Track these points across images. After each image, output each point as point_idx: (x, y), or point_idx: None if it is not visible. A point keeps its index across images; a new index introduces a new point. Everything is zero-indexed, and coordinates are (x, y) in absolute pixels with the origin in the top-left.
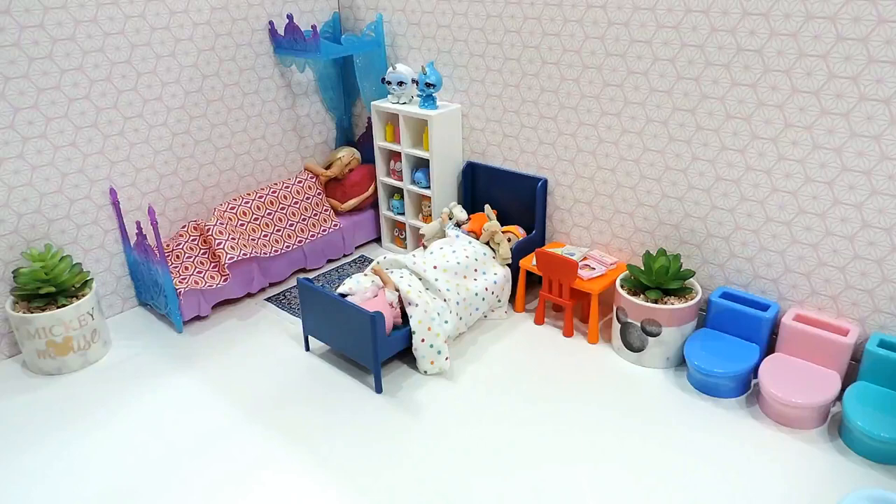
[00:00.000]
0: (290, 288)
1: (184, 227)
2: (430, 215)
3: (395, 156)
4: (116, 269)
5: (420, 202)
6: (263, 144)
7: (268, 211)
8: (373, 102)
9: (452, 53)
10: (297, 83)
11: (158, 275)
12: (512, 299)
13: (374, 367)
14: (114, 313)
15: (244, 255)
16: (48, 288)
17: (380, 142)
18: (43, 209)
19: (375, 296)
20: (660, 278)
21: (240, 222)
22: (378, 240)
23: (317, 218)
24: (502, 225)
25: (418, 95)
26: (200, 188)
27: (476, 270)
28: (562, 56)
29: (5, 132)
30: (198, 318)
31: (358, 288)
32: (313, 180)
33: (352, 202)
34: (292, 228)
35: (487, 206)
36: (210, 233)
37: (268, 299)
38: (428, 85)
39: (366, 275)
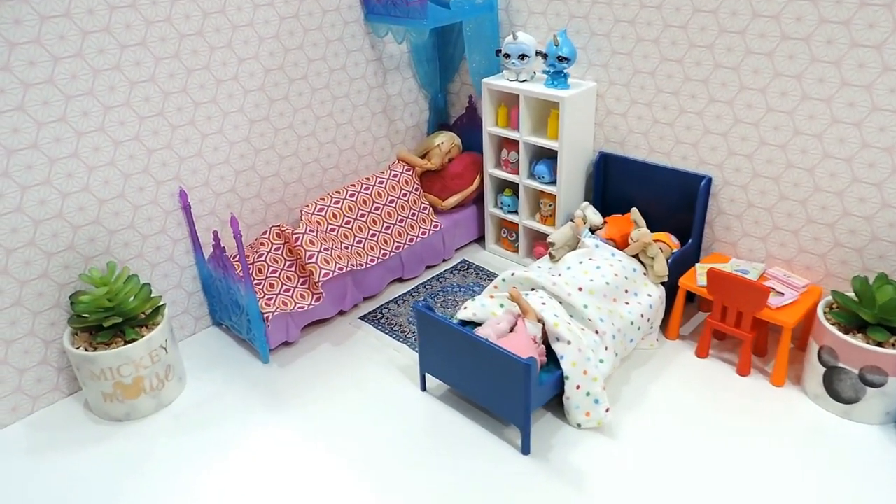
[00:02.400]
0: (387, 303)
1: (264, 232)
2: (552, 216)
3: (508, 144)
4: (188, 285)
5: (538, 199)
6: (350, 130)
7: (360, 212)
8: (483, 80)
9: (589, 19)
10: (388, 56)
11: (240, 295)
12: (663, 324)
13: (523, 423)
14: (185, 335)
15: (340, 270)
16: (114, 319)
17: (490, 127)
18: (102, 218)
19: (512, 328)
20: (887, 313)
21: (329, 227)
22: (480, 240)
23: (415, 218)
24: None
25: (544, 72)
26: (281, 185)
27: (627, 291)
28: (749, 23)
29: (57, 127)
30: (285, 343)
31: (484, 314)
32: (409, 173)
33: (454, 198)
34: (389, 232)
35: (635, 210)
36: (299, 243)
37: (363, 317)
38: (560, 59)
39: (492, 297)
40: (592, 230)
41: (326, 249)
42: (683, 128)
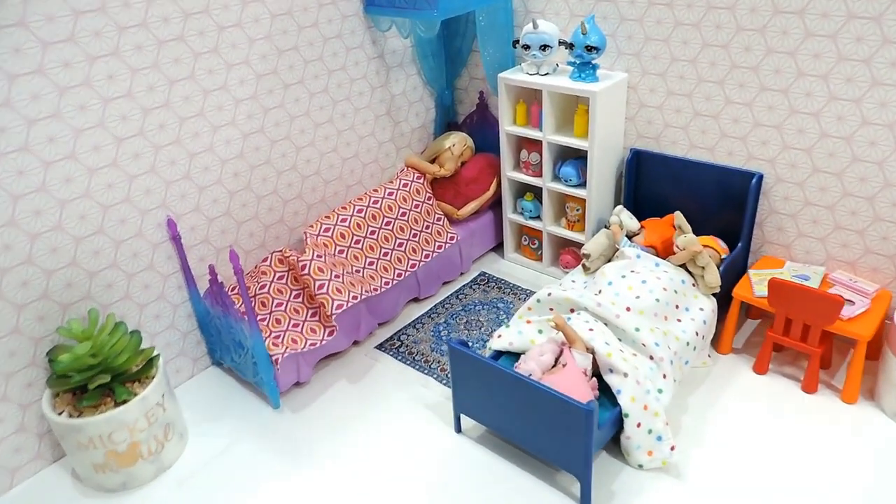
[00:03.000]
0: (405, 328)
1: (265, 259)
2: (580, 221)
3: (527, 144)
4: (182, 324)
5: (563, 203)
6: (352, 137)
7: (370, 229)
8: (500, 75)
9: (618, 3)
10: (390, 51)
11: (243, 335)
12: (714, 337)
13: (583, 474)
14: (183, 379)
15: (354, 299)
16: (101, 378)
17: (508, 126)
18: (80, 259)
19: (557, 358)
20: None
21: (338, 248)
22: (498, 248)
23: (429, 231)
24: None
25: (569, 63)
26: (280, 203)
27: (678, 307)
28: (809, 2)
29: (18, 158)
30: (296, 383)
31: (522, 343)
32: (420, 181)
33: (471, 206)
34: (402, 249)
35: (679, 215)
36: (307, 271)
37: (380, 346)
38: (589, 48)
39: (529, 322)
40: (629, 237)
41: (337, 276)
42: (730, 121)
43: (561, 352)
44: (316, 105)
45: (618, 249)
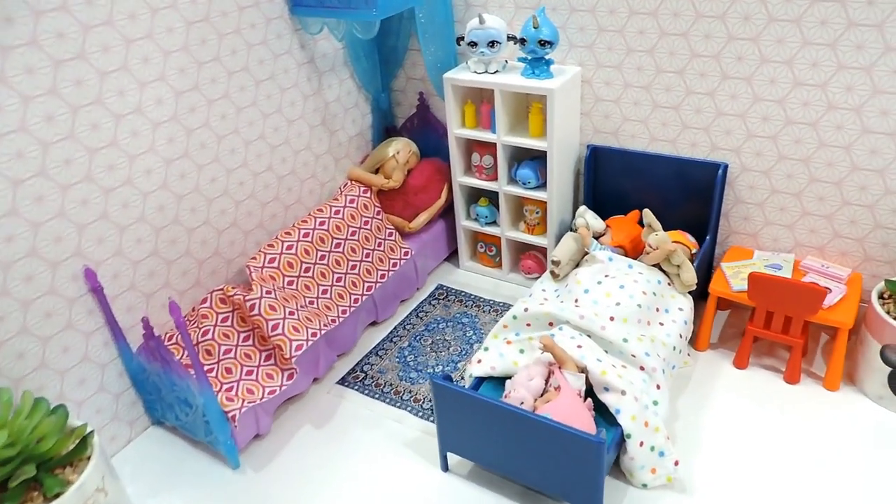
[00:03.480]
0: (367, 357)
1: (204, 300)
2: (540, 224)
3: (478, 146)
4: (112, 385)
5: (521, 207)
6: (287, 152)
7: (320, 253)
8: (445, 76)
9: None
10: (321, 55)
11: (190, 392)
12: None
13: None
14: (120, 447)
15: (314, 336)
16: (25, 471)
17: (456, 129)
18: None
19: (546, 381)
20: None
21: (287, 279)
22: (452, 257)
23: (382, 249)
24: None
25: (521, 60)
26: (213, 234)
27: (658, 310)
28: None
29: None
30: (256, 436)
31: (505, 367)
32: (367, 195)
33: (423, 217)
34: (356, 272)
35: (648, 213)
36: (257, 312)
37: (342, 381)
38: (542, 43)
39: (509, 342)
40: (595, 237)
41: (291, 313)
42: (692, 111)
43: (549, 373)
44: (245, 121)
45: (587, 253)
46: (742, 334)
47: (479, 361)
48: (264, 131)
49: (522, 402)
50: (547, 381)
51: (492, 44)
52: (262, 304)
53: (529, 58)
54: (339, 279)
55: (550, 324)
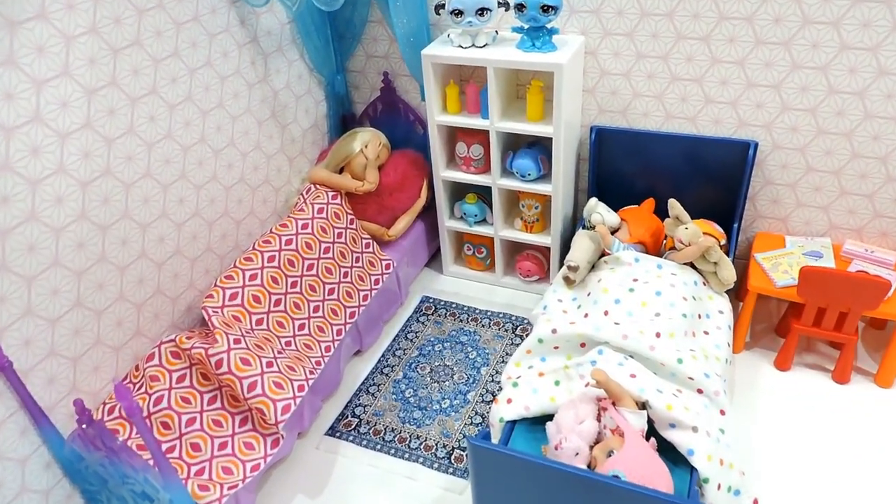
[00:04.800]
0: (356, 395)
1: (150, 356)
2: (539, 221)
3: (464, 134)
4: (38, 481)
5: (517, 202)
6: (234, 155)
7: (290, 280)
8: (425, 52)
9: None
10: (264, 32)
11: (150, 485)
12: None
13: None
14: None
15: (301, 390)
16: None
17: (438, 115)
18: None
19: (596, 420)
20: None
21: (255, 318)
22: (434, 261)
23: (361, 265)
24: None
25: (515, 30)
26: (152, 268)
27: (700, 317)
28: None
29: None
30: None
31: (540, 405)
32: (336, 201)
33: (403, 222)
34: (335, 297)
35: (675, 204)
36: (227, 369)
37: (331, 432)
38: (546, 9)
39: (542, 374)
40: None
41: (269, 364)
42: (717, 83)
43: (600, 410)
44: (180, 121)
45: (604, 253)
46: (775, 329)
47: (510, 401)
48: (205, 132)
49: (577, 454)
50: (598, 417)
51: (481, 11)
52: (232, 358)
53: (527, 27)
54: (316, 308)
55: (583, 345)
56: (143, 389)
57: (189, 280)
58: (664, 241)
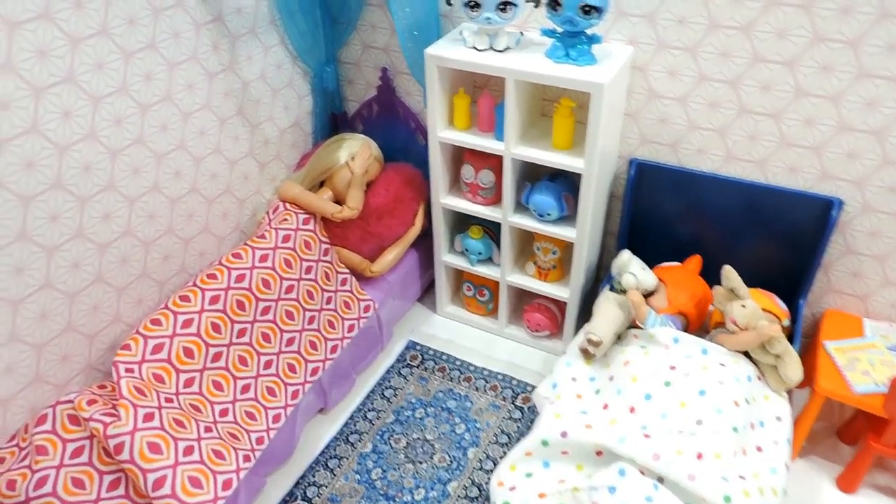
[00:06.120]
0: (312, 470)
1: (42, 419)
2: (556, 268)
3: (473, 156)
4: None
5: (531, 242)
6: (184, 160)
7: (238, 327)
8: (428, 51)
9: None
10: (232, 10)
11: None
12: None
13: None
14: None
15: (226, 488)
16: None
17: (442, 130)
18: None
19: None
20: None
21: (182, 378)
22: (426, 297)
23: (333, 307)
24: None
25: (546, 32)
26: (61, 301)
27: (753, 426)
28: None
29: None
30: None
31: None
32: (308, 226)
33: (391, 256)
34: (294, 349)
35: (730, 271)
36: (127, 455)
37: None
38: (588, 10)
39: (543, 496)
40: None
41: (189, 450)
42: (799, 122)
43: None
44: (108, 116)
45: (633, 325)
46: (838, 431)
47: None
48: (143, 132)
49: None
50: None
51: (504, 6)
52: (137, 442)
53: (561, 30)
54: (268, 364)
55: (599, 453)
56: (25, 462)
57: (114, 312)
58: (709, 311)
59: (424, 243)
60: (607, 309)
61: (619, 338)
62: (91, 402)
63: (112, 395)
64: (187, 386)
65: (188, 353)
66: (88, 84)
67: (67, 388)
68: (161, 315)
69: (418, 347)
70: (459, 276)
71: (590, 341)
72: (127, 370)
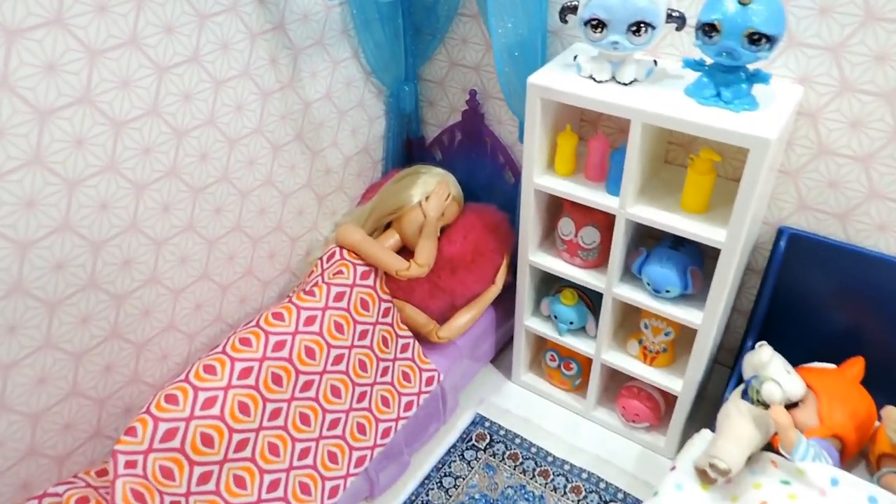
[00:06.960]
0: None
1: None
2: (668, 352)
3: (574, 209)
4: None
5: (637, 318)
6: (228, 194)
7: (272, 407)
8: (532, 79)
9: None
10: (298, 17)
11: None
12: None
13: None
14: None
15: None
16: None
17: (541, 175)
18: None
19: None
20: None
21: (199, 473)
22: (500, 360)
23: (389, 379)
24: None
25: (688, 64)
26: (67, 362)
27: None
28: None
29: None
30: None
31: None
32: (367, 281)
33: (464, 319)
34: (339, 433)
35: None
36: None
37: None
38: (756, 39)
39: None
40: (764, 405)
41: None
42: None
43: None
44: (132, 144)
45: (770, 447)
46: None
47: None
48: (177, 163)
49: None
50: None
51: (638, 28)
52: None
53: (710, 62)
54: (304, 454)
55: None
56: None
57: (131, 371)
58: (874, 434)
59: (504, 297)
60: (740, 426)
61: (749, 458)
62: (81, 503)
63: (108, 493)
64: (202, 483)
65: (206, 440)
66: (109, 106)
67: (69, 462)
68: (178, 390)
69: (487, 424)
70: (542, 343)
71: (714, 468)
72: (128, 464)
